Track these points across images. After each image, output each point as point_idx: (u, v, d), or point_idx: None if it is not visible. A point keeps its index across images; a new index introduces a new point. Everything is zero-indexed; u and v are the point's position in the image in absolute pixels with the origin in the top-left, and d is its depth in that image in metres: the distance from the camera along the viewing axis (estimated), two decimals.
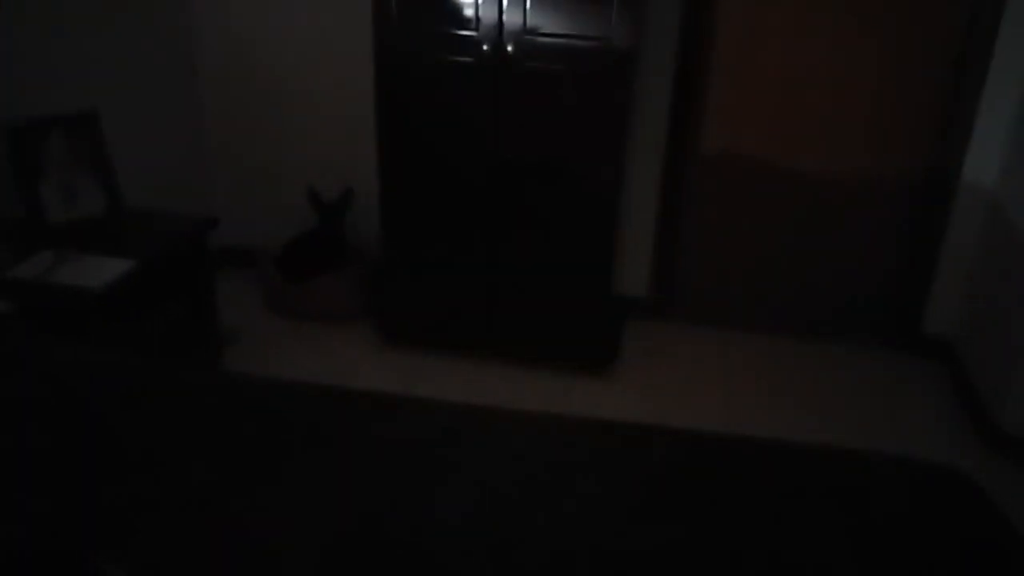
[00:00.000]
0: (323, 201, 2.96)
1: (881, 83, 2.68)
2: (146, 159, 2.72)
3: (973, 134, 2.65)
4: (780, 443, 1.43)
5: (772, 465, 1.36)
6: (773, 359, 2.90)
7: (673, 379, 2.76)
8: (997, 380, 2.50)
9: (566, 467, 1.33)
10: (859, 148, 2.78)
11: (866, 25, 2.62)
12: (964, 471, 1.37)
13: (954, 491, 1.33)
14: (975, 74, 2.58)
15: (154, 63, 2.80)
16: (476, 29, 2.33)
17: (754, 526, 1.22)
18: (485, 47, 2.34)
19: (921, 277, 2.87)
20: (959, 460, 2.35)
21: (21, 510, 1.19)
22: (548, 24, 2.30)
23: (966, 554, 1.20)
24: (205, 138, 3.14)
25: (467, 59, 2.37)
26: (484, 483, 1.28)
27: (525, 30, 2.31)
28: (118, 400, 1.46)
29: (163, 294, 2.29)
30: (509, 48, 2.33)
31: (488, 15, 2.31)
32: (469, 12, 2.32)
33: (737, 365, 2.86)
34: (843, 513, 1.26)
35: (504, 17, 2.31)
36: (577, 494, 1.27)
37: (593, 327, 2.69)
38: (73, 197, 2.23)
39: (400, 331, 2.83)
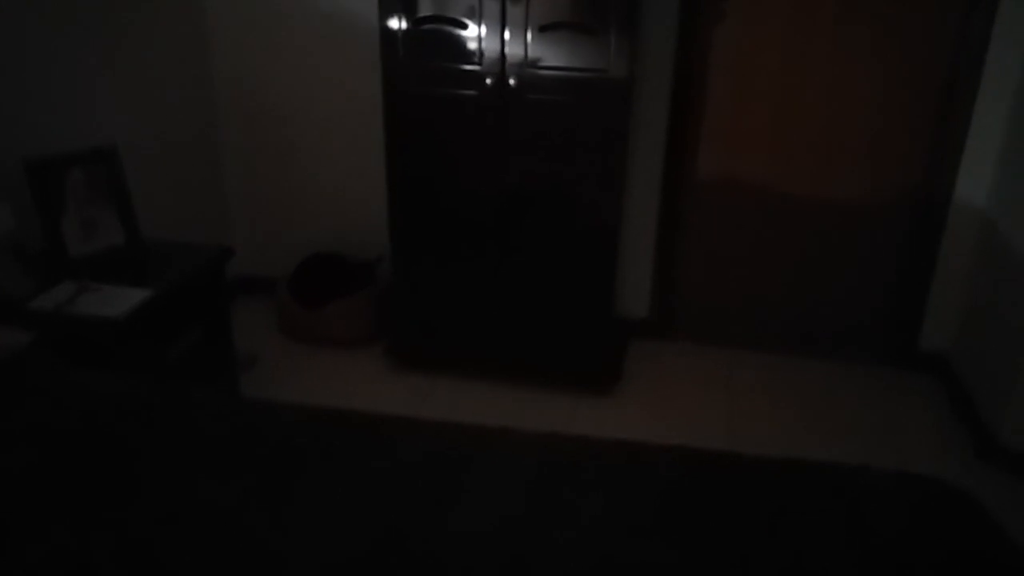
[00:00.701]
0: (354, 262, 3.06)
1: (873, 105, 2.76)
2: (164, 191, 2.81)
3: (964, 153, 2.71)
4: (781, 460, 1.47)
5: (773, 481, 1.40)
6: (773, 377, 2.96)
7: (675, 398, 2.82)
8: (994, 395, 2.55)
9: (574, 485, 1.38)
10: (854, 169, 2.84)
11: (858, 49, 2.70)
12: (962, 486, 1.39)
13: (953, 506, 1.36)
14: (965, 95, 2.65)
15: (173, 100, 2.90)
16: (479, 63, 2.42)
17: (757, 542, 1.26)
18: (488, 80, 2.43)
19: (917, 294, 2.92)
20: (957, 475, 2.40)
21: (41, 531, 1.23)
22: (549, 57, 2.39)
23: (965, 569, 1.22)
24: (221, 171, 3.23)
25: (471, 92, 2.45)
26: (495, 502, 1.32)
27: (527, 63, 2.40)
28: (137, 425, 1.50)
29: (181, 322, 2.35)
30: (511, 81, 2.42)
31: (491, 50, 2.40)
32: (472, 47, 2.41)
33: (738, 383, 2.92)
34: (844, 528, 1.28)
35: (506, 51, 2.39)
36: (586, 511, 1.31)
37: (597, 348, 2.75)
38: (93, 229, 2.30)
39: (410, 355, 2.90)
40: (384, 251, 2.99)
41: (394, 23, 2.43)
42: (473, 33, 2.40)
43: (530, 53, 2.39)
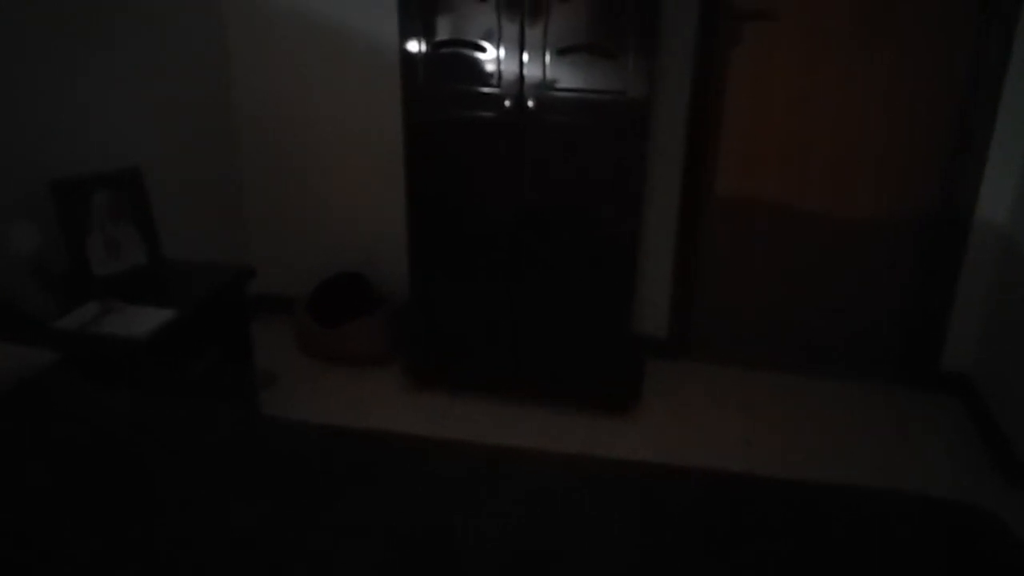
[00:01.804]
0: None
1: (891, 125, 2.76)
2: (186, 212, 2.85)
3: (986, 169, 2.70)
4: (801, 483, 1.46)
5: (794, 504, 1.39)
6: (792, 398, 2.94)
7: (694, 418, 2.80)
8: (1018, 415, 2.52)
9: (593, 505, 1.38)
10: (872, 186, 2.84)
11: (875, 69, 2.71)
12: (987, 507, 1.38)
13: (978, 528, 1.34)
14: (986, 110, 2.64)
15: (196, 122, 2.95)
16: (498, 86, 2.45)
17: (777, 566, 1.25)
18: (507, 103, 2.45)
19: (938, 313, 2.90)
20: (981, 496, 2.36)
21: (66, 551, 1.24)
22: (567, 79, 2.41)
23: None
24: (242, 192, 3.27)
25: (490, 114, 2.48)
26: (514, 523, 1.32)
27: (545, 86, 2.42)
28: (160, 444, 1.52)
29: (203, 341, 2.38)
30: (530, 103, 2.44)
31: (509, 72, 2.42)
32: (491, 69, 2.44)
33: (756, 404, 2.90)
34: (867, 552, 1.27)
35: (525, 73, 2.42)
36: (606, 532, 1.31)
37: (614, 368, 2.75)
38: (117, 250, 2.33)
39: (427, 374, 2.90)
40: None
41: (414, 46, 2.46)
42: (492, 56, 2.42)
43: (548, 75, 2.41)
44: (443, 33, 2.44)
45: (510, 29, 2.38)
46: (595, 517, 1.35)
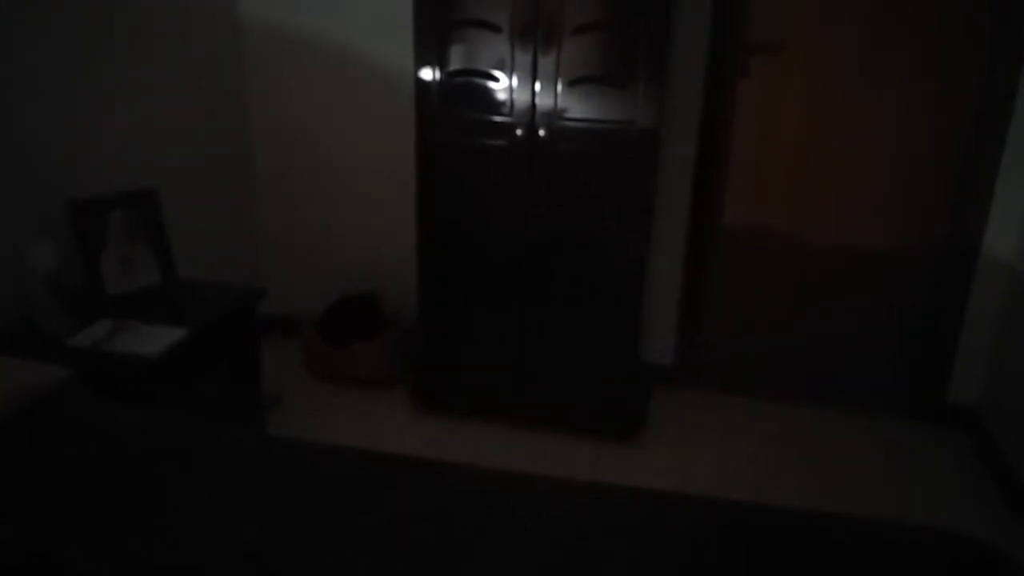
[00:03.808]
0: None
1: (898, 157, 2.78)
2: (198, 231, 2.88)
3: (993, 202, 2.71)
4: (808, 513, 1.46)
5: (799, 534, 1.39)
6: (798, 428, 2.93)
7: (700, 447, 2.80)
8: None
9: (598, 533, 1.38)
10: (879, 218, 2.86)
11: (882, 101, 2.73)
12: (993, 542, 1.38)
13: (983, 562, 1.34)
14: (993, 142, 2.66)
15: (210, 143, 2.99)
16: (510, 114, 2.48)
17: None
18: (519, 131, 2.49)
19: (944, 346, 2.90)
20: (987, 529, 2.35)
21: (78, 567, 1.25)
22: (577, 109, 2.44)
23: None
24: (255, 213, 3.32)
25: (502, 142, 2.51)
26: (520, 549, 1.33)
27: (556, 115, 2.46)
28: (171, 462, 1.53)
29: (212, 360, 2.40)
30: (541, 132, 2.47)
31: (521, 101, 2.46)
32: (503, 98, 2.48)
33: (762, 433, 2.90)
34: None
35: (537, 102, 2.45)
36: (610, 560, 1.31)
37: (621, 395, 2.75)
38: (130, 268, 2.36)
39: (434, 397, 2.91)
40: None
41: (428, 74, 2.50)
42: (504, 85, 2.46)
43: (559, 104, 2.45)
44: (457, 62, 2.49)
45: (523, 59, 2.42)
46: (600, 544, 1.35)
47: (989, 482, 2.65)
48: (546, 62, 2.41)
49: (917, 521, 1.47)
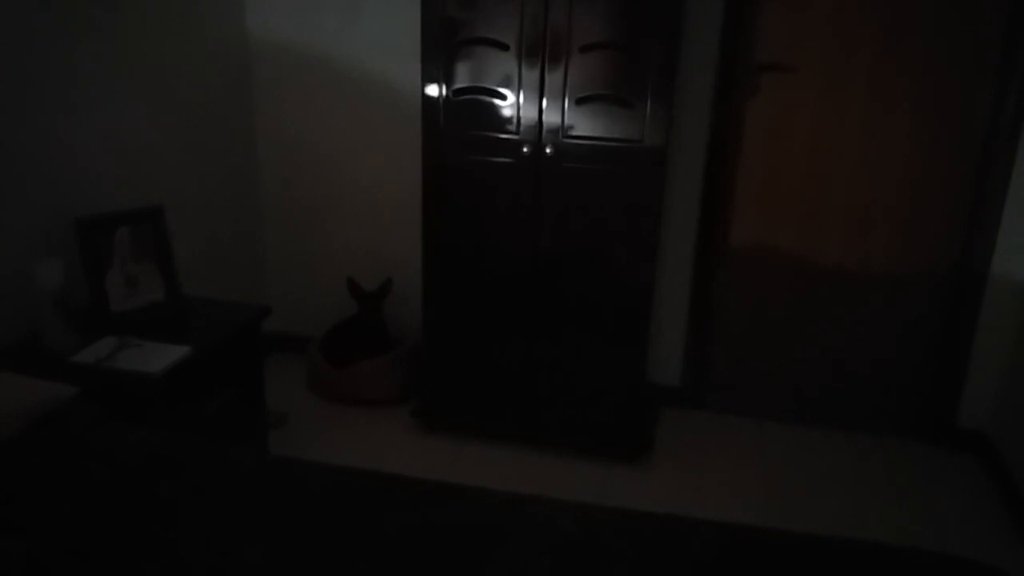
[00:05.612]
0: (363, 290, 3.09)
1: (907, 177, 2.77)
2: (204, 249, 2.89)
3: (1003, 224, 2.69)
4: (817, 538, 1.44)
5: (807, 558, 1.37)
6: (807, 450, 2.90)
7: (707, 469, 2.77)
8: None
9: (606, 556, 1.36)
10: (888, 239, 2.84)
11: (891, 122, 2.73)
12: (1004, 567, 1.36)
13: None
14: (1003, 164, 2.64)
15: (217, 162, 3.00)
16: (517, 132, 2.49)
17: None
18: (525, 149, 2.49)
19: (955, 369, 2.88)
20: (998, 554, 2.32)
21: None
22: (584, 127, 2.44)
23: None
24: (260, 231, 3.32)
25: (508, 159, 2.51)
26: (524, 571, 1.31)
27: (563, 133, 2.46)
28: (175, 481, 1.53)
29: (217, 378, 2.39)
30: (548, 150, 2.47)
31: (528, 119, 2.46)
32: (510, 116, 2.48)
33: (771, 456, 2.87)
34: None
35: (544, 120, 2.46)
36: None
37: (628, 416, 2.73)
38: (135, 286, 2.35)
39: (438, 417, 2.89)
40: (390, 276, 3.09)
41: (435, 92, 2.51)
42: (511, 102, 2.47)
43: (566, 122, 2.45)
44: (464, 79, 2.49)
45: (530, 77, 2.42)
46: (605, 567, 1.33)
47: (1000, 506, 2.61)
48: (553, 80, 2.41)
49: (927, 545, 1.45)
